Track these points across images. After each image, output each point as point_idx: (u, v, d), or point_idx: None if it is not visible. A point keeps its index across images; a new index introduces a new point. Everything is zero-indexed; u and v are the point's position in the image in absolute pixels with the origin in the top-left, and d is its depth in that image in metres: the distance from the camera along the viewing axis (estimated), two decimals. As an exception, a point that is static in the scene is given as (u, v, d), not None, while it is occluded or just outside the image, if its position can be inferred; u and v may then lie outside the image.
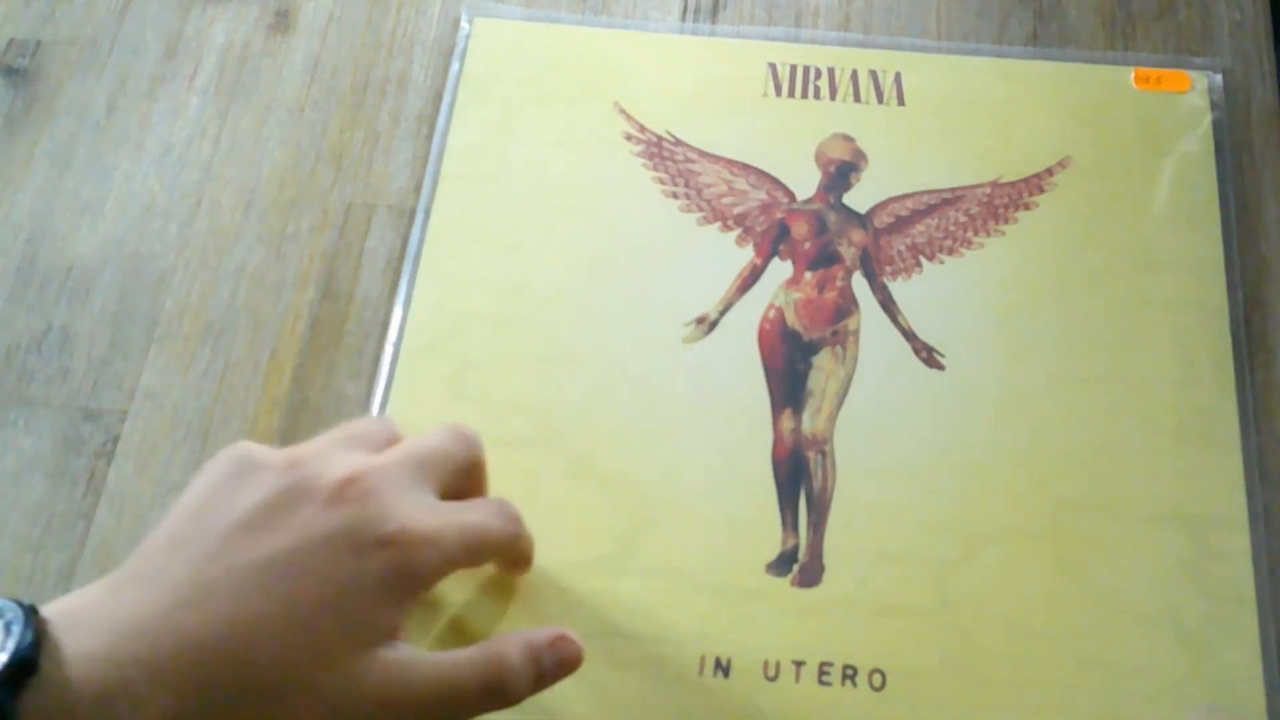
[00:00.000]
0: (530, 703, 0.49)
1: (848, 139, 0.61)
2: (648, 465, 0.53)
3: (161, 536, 0.40)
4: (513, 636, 0.42)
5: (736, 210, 0.59)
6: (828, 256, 0.58)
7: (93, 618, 0.37)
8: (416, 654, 0.40)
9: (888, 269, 0.58)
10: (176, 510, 0.41)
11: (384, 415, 0.46)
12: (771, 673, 0.49)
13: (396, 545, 0.39)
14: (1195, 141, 0.60)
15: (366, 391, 0.55)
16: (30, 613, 0.36)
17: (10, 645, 0.35)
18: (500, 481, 0.53)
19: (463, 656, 0.41)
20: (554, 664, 0.42)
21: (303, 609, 0.38)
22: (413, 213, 0.60)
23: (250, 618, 0.37)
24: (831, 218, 0.59)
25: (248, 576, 0.38)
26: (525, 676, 0.41)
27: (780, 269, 0.58)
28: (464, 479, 0.46)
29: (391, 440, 0.45)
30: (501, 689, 0.40)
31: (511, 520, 0.46)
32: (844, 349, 0.56)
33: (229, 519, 0.39)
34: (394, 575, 0.39)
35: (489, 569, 0.50)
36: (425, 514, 0.41)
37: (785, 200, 0.60)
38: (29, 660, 0.35)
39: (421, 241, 0.58)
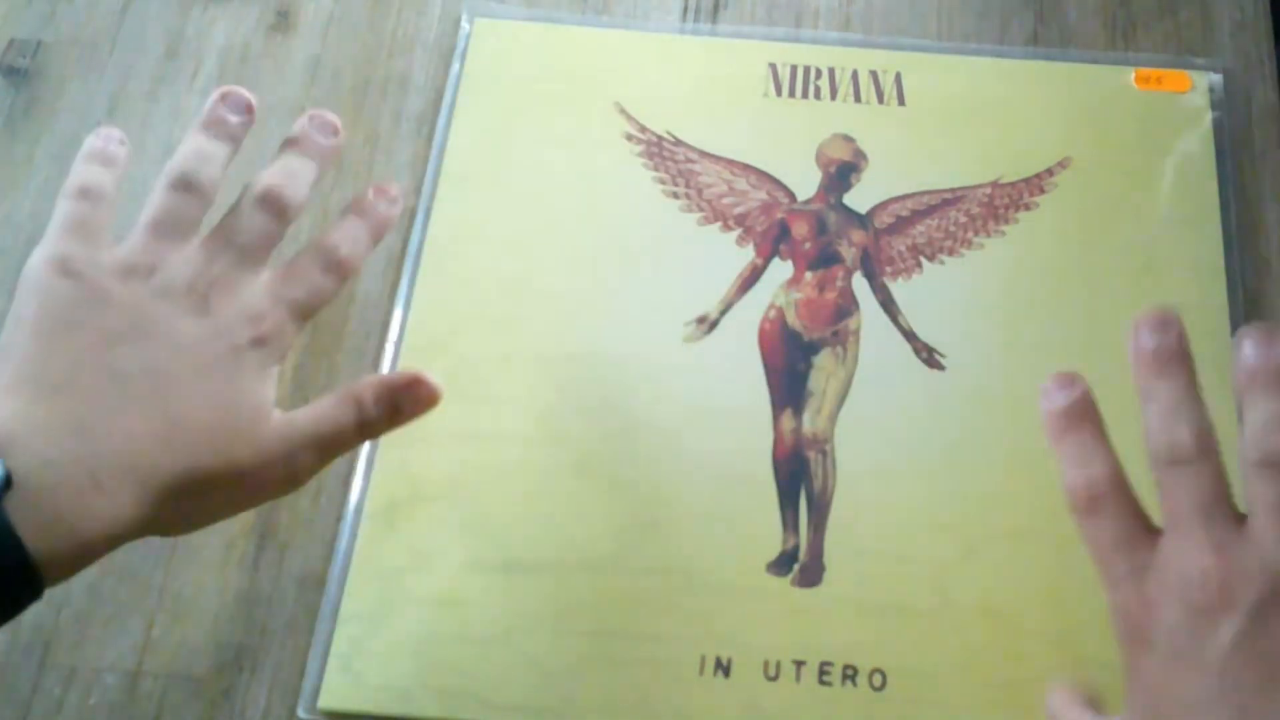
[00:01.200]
0: (528, 702, 0.49)
1: (848, 139, 0.61)
2: (648, 465, 0.53)
3: (43, 344, 0.42)
4: (369, 380, 0.46)
5: (737, 210, 0.59)
6: (828, 257, 0.58)
7: (31, 427, 0.39)
8: (291, 414, 0.45)
9: (888, 269, 0.58)
10: (36, 320, 0.42)
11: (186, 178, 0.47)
12: (772, 673, 0.49)
13: (265, 340, 0.44)
14: (1195, 142, 0.60)
15: (367, 391, 0.55)
16: None
17: None
18: (501, 480, 0.53)
19: (326, 405, 0.45)
20: (410, 403, 0.46)
21: (211, 395, 0.42)
22: (413, 213, 0.60)
23: (177, 410, 0.41)
24: (832, 218, 0.59)
25: (160, 375, 0.42)
26: (381, 414, 0.46)
27: (781, 269, 0.58)
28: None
29: (201, 202, 0.46)
30: (366, 425, 0.46)
31: (336, 268, 0.48)
32: (844, 349, 0.56)
33: (112, 328, 0.42)
34: (269, 362, 0.44)
35: None
36: (271, 304, 0.45)
37: (785, 200, 0.60)
38: (4, 479, 0.37)
39: (421, 241, 0.58)
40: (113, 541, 0.40)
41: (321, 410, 0.45)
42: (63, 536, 0.38)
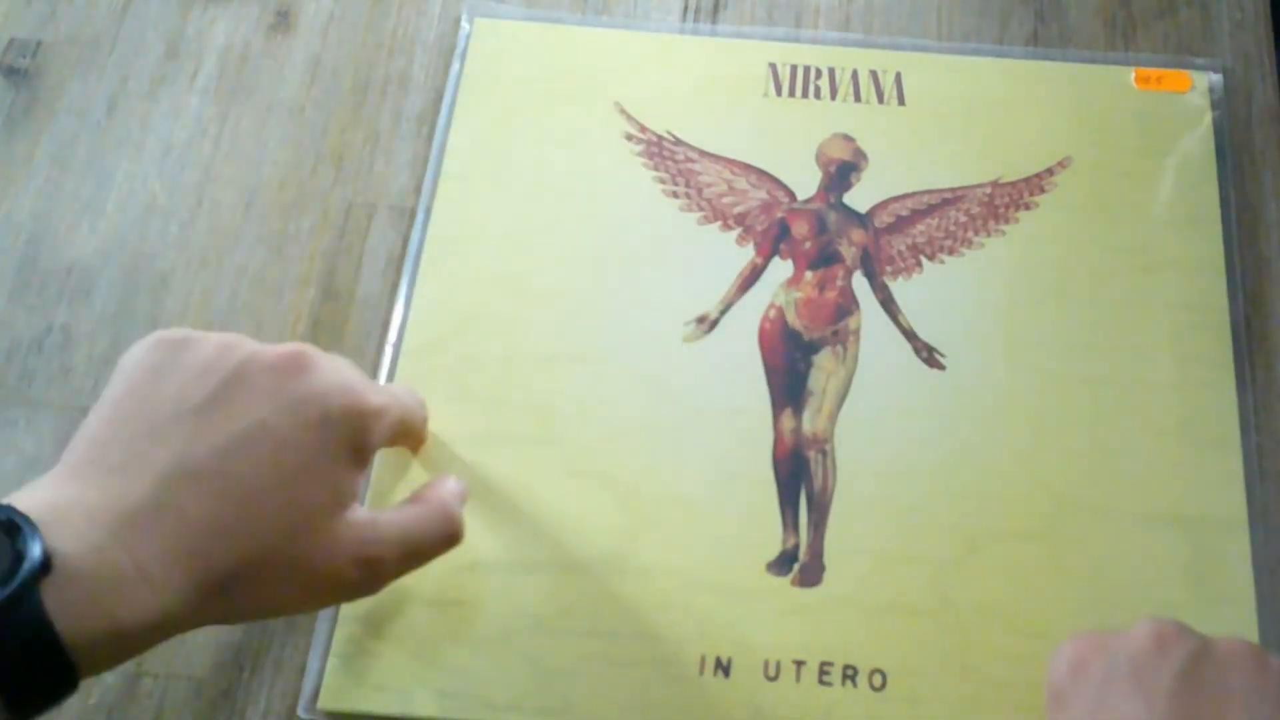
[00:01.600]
0: (528, 702, 0.49)
1: (848, 139, 0.61)
2: (648, 465, 0.53)
3: (114, 423, 0.40)
4: (442, 490, 0.46)
5: (737, 210, 0.59)
6: (828, 256, 0.58)
7: (79, 510, 0.37)
8: (374, 513, 0.42)
9: (888, 269, 0.58)
10: (118, 397, 0.41)
11: None
12: (772, 673, 0.49)
13: (355, 413, 0.42)
14: (1195, 141, 0.60)
15: (367, 391, 0.55)
16: (17, 513, 0.36)
17: (20, 547, 0.35)
18: (500, 481, 0.53)
19: (418, 512, 0.44)
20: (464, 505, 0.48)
21: (286, 476, 0.40)
22: (413, 213, 0.60)
23: (242, 491, 0.39)
24: (832, 217, 0.59)
25: (230, 451, 0.39)
26: (462, 520, 0.46)
27: (781, 268, 0.58)
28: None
29: None
30: (456, 535, 0.45)
31: (419, 401, 0.50)
32: (844, 348, 0.56)
33: (190, 398, 0.40)
34: (356, 441, 0.42)
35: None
36: (369, 388, 0.44)
37: (786, 200, 0.60)
38: (43, 561, 0.35)
39: (421, 241, 0.58)
40: (157, 633, 0.38)
41: (410, 517, 0.44)
42: (100, 623, 0.36)
